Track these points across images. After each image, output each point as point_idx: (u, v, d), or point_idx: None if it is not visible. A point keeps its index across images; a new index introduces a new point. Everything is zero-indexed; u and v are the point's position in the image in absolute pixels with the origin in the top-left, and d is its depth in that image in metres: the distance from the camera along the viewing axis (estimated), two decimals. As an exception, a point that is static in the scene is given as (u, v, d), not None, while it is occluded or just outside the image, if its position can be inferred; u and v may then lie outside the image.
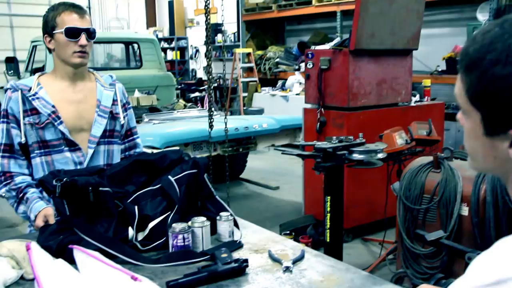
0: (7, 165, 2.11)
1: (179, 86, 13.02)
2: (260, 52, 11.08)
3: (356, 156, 3.35)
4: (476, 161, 0.90)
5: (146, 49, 7.67)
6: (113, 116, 2.26)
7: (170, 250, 1.65)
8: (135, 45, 7.81)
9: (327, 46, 4.67)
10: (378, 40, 4.42)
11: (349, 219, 4.61)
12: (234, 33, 12.85)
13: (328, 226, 3.47)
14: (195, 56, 14.98)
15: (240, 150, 5.61)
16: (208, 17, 3.61)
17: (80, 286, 1.22)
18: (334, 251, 3.50)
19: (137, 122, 6.13)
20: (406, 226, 3.54)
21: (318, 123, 4.65)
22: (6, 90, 2.17)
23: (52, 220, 1.91)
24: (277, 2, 10.29)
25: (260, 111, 8.75)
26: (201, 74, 14.72)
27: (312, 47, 4.82)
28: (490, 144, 0.84)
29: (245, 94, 10.67)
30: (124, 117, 2.30)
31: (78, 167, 2.12)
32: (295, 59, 10.09)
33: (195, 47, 14.92)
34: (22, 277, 1.49)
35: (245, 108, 9.59)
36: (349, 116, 4.50)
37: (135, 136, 2.40)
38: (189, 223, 1.70)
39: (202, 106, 11.32)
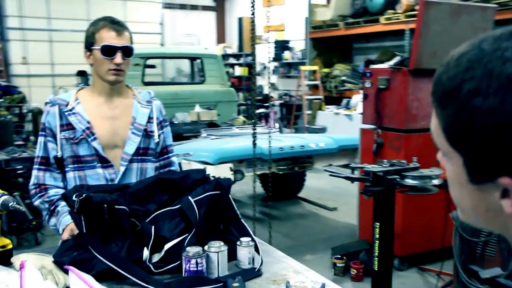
0: (42, 177, 2.13)
1: (245, 102, 13.11)
2: (326, 70, 10.95)
3: (408, 181, 3.16)
4: (466, 214, 0.72)
5: (210, 65, 7.75)
6: (147, 134, 2.21)
7: (183, 275, 1.58)
8: (199, 61, 7.91)
9: (386, 65, 4.49)
10: (440, 59, 4.17)
11: (405, 246, 4.39)
12: (301, 51, 12.79)
13: (376, 253, 3.29)
14: (262, 73, 15.04)
15: (296, 169, 5.50)
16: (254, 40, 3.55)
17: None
18: (383, 281, 3.32)
19: (195, 137, 6.24)
20: (463, 259, 3.30)
21: (375, 145, 4.47)
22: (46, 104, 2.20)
23: None
24: (345, 20, 10.14)
25: (322, 130, 8.60)
26: (268, 90, 14.76)
27: (371, 66, 4.65)
28: (479, 194, 0.66)
29: (310, 112, 10.55)
30: (159, 135, 2.26)
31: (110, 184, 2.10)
32: (362, 78, 9.87)
33: (262, 64, 15.00)
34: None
35: (307, 126, 9.46)
36: (407, 138, 4.29)
37: (170, 154, 2.36)
38: (206, 247, 1.62)
39: (266, 123, 11.31)
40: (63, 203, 2.08)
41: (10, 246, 1.72)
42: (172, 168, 2.35)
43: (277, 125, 10.98)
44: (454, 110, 0.64)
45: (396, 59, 4.38)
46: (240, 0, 16.04)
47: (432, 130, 0.73)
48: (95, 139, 2.09)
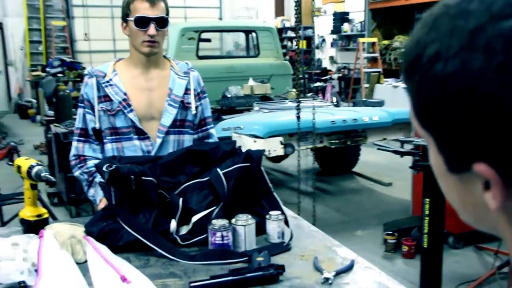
0: (81, 149, 2.16)
1: (302, 76, 12.94)
2: (386, 42, 10.62)
3: (461, 155, 3.01)
4: (459, 212, 0.59)
5: (264, 38, 7.66)
6: (184, 106, 2.18)
7: (209, 247, 1.56)
8: (254, 34, 7.83)
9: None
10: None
11: (460, 224, 4.16)
12: (361, 22, 12.44)
13: (426, 230, 3.17)
14: (321, 46, 14.79)
15: (348, 143, 5.37)
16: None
17: (72, 281, 1.17)
18: (432, 258, 3.20)
19: (248, 110, 6.22)
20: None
21: (430, 118, 4.28)
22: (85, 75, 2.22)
23: None
24: (407, -11, 9.76)
25: (380, 103, 8.37)
26: (326, 63, 14.51)
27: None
28: (462, 186, 0.54)
29: (368, 85, 10.30)
30: (196, 107, 2.23)
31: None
32: (423, 49, 9.50)
33: (321, 37, 14.73)
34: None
35: (364, 99, 9.24)
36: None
37: (208, 126, 2.33)
38: (233, 220, 1.59)
39: (323, 97, 11.14)
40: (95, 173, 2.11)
41: (46, 215, 1.76)
42: (210, 140, 2.33)
43: (334, 99, 10.80)
44: (416, 82, 0.53)
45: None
46: (299, -28, 15.69)
47: (409, 111, 0.60)
48: (131, 110, 2.08)
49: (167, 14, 2.11)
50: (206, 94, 2.32)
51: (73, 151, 2.17)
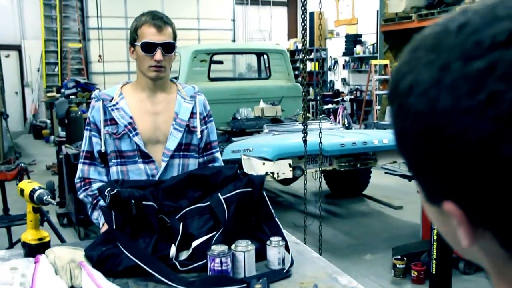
0: (87, 171, 2.17)
1: (314, 98, 12.96)
2: (398, 64, 10.61)
3: (470, 180, 2.98)
4: (446, 240, 0.56)
5: (275, 60, 7.70)
6: (189, 130, 2.18)
7: (208, 274, 1.55)
8: (265, 56, 7.88)
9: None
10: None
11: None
12: (373, 44, 12.48)
13: (434, 256, 3.13)
14: (333, 68, 14.84)
15: (358, 166, 5.35)
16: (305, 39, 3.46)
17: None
18: (441, 285, 3.15)
19: (258, 132, 6.23)
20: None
21: (440, 141, 4.25)
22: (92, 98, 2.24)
23: None
24: (418, 12, 9.77)
25: (391, 125, 8.33)
26: (338, 85, 14.54)
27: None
28: (440, 217, 0.52)
29: (380, 107, 10.28)
30: (202, 131, 2.23)
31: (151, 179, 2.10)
32: (435, 71, 9.48)
33: (334, 59, 14.78)
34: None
35: (376, 121, 9.21)
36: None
37: (214, 150, 2.32)
38: (232, 246, 1.58)
39: (335, 119, 11.13)
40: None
41: (48, 239, 1.76)
42: (216, 164, 2.33)
43: (346, 121, 10.79)
44: (394, 111, 0.52)
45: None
46: (312, -5, 15.85)
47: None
48: (136, 134, 2.08)
49: (175, 38, 2.12)
50: (212, 118, 2.33)
51: (78, 174, 2.19)
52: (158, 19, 2.09)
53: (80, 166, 2.18)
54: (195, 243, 1.63)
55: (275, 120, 6.64)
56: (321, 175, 4.45)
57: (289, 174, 4.85)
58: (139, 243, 1.62)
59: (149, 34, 2.05)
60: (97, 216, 2.11)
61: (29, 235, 1.76)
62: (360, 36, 13.17)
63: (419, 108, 0.47)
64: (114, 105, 2.12)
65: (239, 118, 6.58)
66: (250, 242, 1.59)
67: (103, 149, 2.12)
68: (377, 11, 11.15)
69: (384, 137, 5.29)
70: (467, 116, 0.44)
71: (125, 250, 1.57)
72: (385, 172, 3.26)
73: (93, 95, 2.21)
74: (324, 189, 6.76)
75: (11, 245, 4.33)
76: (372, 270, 4.38)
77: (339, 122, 10.06)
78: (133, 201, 1.61)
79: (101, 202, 2.06)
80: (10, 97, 12.57)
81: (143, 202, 1.63)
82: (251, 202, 1.73)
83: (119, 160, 2.12)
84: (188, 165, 2.19)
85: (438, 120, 0.46)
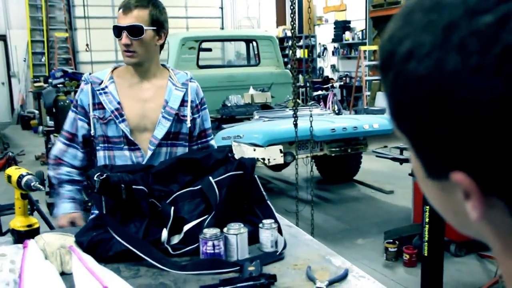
0: (61, 152, 2.11)
1: (303, 84, 12.94)
2: (387, 49, 10.61)
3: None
4: (443, 217, 0.53)
5: (264, 47, 7.66)
6: (179, 119, 2.12)
7: (201, 257, 1.54)
8: (254, 43, 7.84)
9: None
10: None
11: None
12: (362, 31, 12.46)
13: (426, 238, 3.14)
14: (322, 54, 14.80)
15: (349, 151, 5.35)
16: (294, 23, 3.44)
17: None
18: (433, 267, 3.16)
19: (248, 119, 6.20)
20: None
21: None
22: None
23: (80, 224, 1.90)
24: (407, -4, 9.76)
25: (381, 111, 8.35)
26: (328, 72, 14.51)
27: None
28: (442, 193, 0.49)
29: (369, 93, 10.28)
30: (194, 119, 2.17)
31: None
32: (424, 57, 9.50)
33: (323, 45, 14.74)
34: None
35: (366, 107, 9.22)
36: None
37: (209, 138, 2.28)
38: (224, 229, 1.57)
39: (325, 105, 11.12)
40: (68, 187, 2.10)
41: (37, 225, 1.74)
42: None
43: (336, 107, 10.77)
44: (390, 81, 0.48)
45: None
46: (300, -19, 15.77)
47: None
48: (123, 121, 2.03)
49: (153, 24, 2.00)
50: (206, 106, 2.27)
51: (54, 151, 2.14)
52: (129, 2, 1.99)
53: (58, 144, 2.14)
54: (186, 227, 1.61)
55: (265, 107, 6.61)
56: (312, 161, 4.45)
57: (280, 160, 4.84)
58: (130, 228, 1.60)
59: (118, 18, 2.00)
60: (55, 202, 2.09)
61: (17, 222, 1.73)
62: (349, 22, 13.13)
63: (422, 72, 0.44)
64: (102, 89, 2.07)
65: (229, 105, 6.55)
66: (242, 225, 1.58)
67: (93, 133, 2.07)
68: (366, -4, 11.12)
69: (375, 122, 5.29)
70: (478, 75, 0.41)
71: (116, 235, 1.55)
72: (377, 156, 3.26)
73: (83, 78, 2.15)
74: (315, 175, 6.76)
75: (1, 234, 4.30)
76: (364, 254, 4.40)
77: (329, 108, 10.05)
78: (123, 186, 1.59)
79: (65, 191, 2.05)
80: (-4, 88, 12.45)
81: (133, 186, 1.61)
82: (242, 185, 1.71)
83: (106, 145, 2.08)
84: (176, 154, 2.13)
85: (445, 83, 0.42)
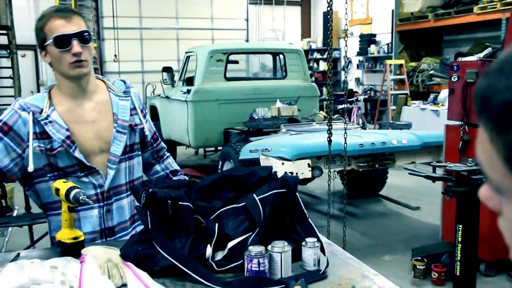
0: None
1: (328, 97, 12.94)
2: (413, 64, 10.57)
3: (495, 182, 2.96)
4: None
5: (292, 60, 7.71)
6: (132, 129, 2.03)
7: (245, 274, 1.56)
8: (281, 56, 7.88)
9: (475, 57, 4.23)
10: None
11: (493, 251, 4.12)
12: (387, 44, 12.43)
13: (459, 257, 3.11)
14: (347, 67, 14.78)
15: (376, 166, 5.34)
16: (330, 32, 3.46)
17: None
18: (465, 287, 3.13)
19: (275, 132, 6.22)
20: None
21: (461, 142, 4.23)
22: (12, 105, 1.92)
23: None
24: (435, 11, 9.72)
25: (407, 126, 8.31)
26: (352, 85, 14.49)
27: (459, 59, 4.41)
28: None
29: (394, 107, 10.23)
30: (146, 124, 2.11)
31: (99, 190, 1.96)
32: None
33: (348, 58, 14.73)
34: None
35: (392, 122, 9.17)
36: (497, 135, 4.02)
37: (158, 140, 2.24)
38: (269, 247, 1.58)
39: (350, 119, 11.09)
40: None
41: (82, 238, 1.77)
42: (163, 151, 2.27)
43: (360, 120, 10.74)
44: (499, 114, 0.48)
45: (487, 51, 4.12)
46: (325, -6, 15.83)
47: (481, 159, 0.53)
48: (76, 148, 1.88)
49: (87, 27, 1.91)
50: (146, 109, 2.24)
51: None
52: (63, 10, 1.88)
53: None
54: (230, 244, 1.63)
55: (292, 120, 6.64)
56: (338, 175, 4.45)
57: (308, 174, 4.84)
58: (175, 243, 1.63)
59: (59, 26, 1.83)
60: None
61: (64, 234, 1.77)
62: (375, 36, 13.12)
63: None
64: (45, 118, 1.87)
65: (256, 117, 6.58)
66: (286, 243, 1.59)
67: (30, 168, 1.84)
68: (392, 10, 11.09)
69: (403, 137, 5.27)
70: None
71: (162, 250, 1.57)
72: (409, 173, 3.24)
73: (17, 105, 1.89)
74: (340, 189, 6.74)
75: (32, 243, 4.37)
76: (391, 271, 4.36)
77: (353, 122, 10.03)
78: (169, 202, 1.62)
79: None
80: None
81: (179, 203, 1.63)
82: (285, 203, 1.73)
83: (56, 173, 1.90)
84: (133, 166, 2.07)
85: None
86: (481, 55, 4.13)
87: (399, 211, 6.32)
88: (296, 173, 4.84)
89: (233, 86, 7.31)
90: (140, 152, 2.12)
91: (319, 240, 1.68)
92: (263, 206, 1.67)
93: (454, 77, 4.29)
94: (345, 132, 3.69)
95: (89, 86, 1.97)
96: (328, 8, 3.52)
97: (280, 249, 1.57)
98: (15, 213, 5.25)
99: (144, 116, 2.12)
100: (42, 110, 1.88)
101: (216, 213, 1.70)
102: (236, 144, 6.10)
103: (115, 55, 11.87)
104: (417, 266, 4.22)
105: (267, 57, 14.39)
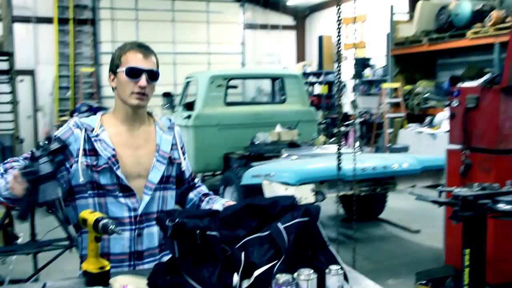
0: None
1: (324, 121, 13.04)
2: (408, 87, 10.70)
3: (501, 206, 3.02)
4: None
5: (291, 85, 7.81)
6: (171, 162, 2.18)
7: (273, 302, 1.60)
8: (280, 81, 7.99)
9: (475, 83, 4.33)
10: (535, 77, 4.00)
11: (497, 275, 4.17)
12: (382, 67, 12.59)
13: (466, 282, 3.15)
14: (342, 91, 14.94)
15: (378, 190, 5.40)
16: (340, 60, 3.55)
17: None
18: (474, 310, 3.17)
19: (276, 157, 6.28)
20: None
21: (463, 166, 4.31)
22: (68, 123, 2.11)
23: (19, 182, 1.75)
24: (428, 36, 9.89)
25: (404, 149, 8.38)
26: (347, 108, 14.62)
27: (461, 83, 4.51)
28: None
29: (391, 130, 10.34)
30: (184, 161, 2.25)
31: (132, 213, 2.08)
32: (446, 95, 9.56)
33: (342, 82, 14.90)
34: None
35: (389, 145, 9.26)
36: (498, 160, 4.10)
37: (196, 179, 2.38)
38: (295, 275, 1.63)
39: (346, 142, 11.18)
40: (16, 164, 1.95)
41: (108, 267, 1.81)
42: (201, 187, 2.38)
43: (356, 143, 10.84)
44: None
45: (487, 77, 4.22)
46: (321, 19, 16.07)
47: None
48: (119, 167, 2.04)
49: (157, 68, 2.11)
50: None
51: None
52: (144, 47, 2.10)
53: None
54: (257, 272, 1.67)
55: (292, 145, 6.71)
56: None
57: (312, 199, 4.89)
58: (203, 272, 1.67)
59: (136, 60, 2.04)
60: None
61: (90, 264, 1.80)
62: (369, 59, 13.29)
63: None
64: (96, 136, 2.07)
65: (257, 142, 6.65)
66: (312, 271, 1.64)
67: (81, 180, 2.01)
68: (387, 34, 11.27)
69: (404, 161, 5.35)
70: None
71: (191, 279, 1.61)
72: (416, 199, 3.30)
73: (73, 123, 2.10)
74: (340, 213, 6.78)
75: (37, 272, 4.35)
76: (397, 295, 4.40)
77: (350, 145, 10.11)
78: (198, 231, 1.66)
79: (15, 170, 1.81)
80: (22, 121, 12.69)
81: (207, 232, 1.68)
82: (308, 231, 1.78)
83: (96, 191, 2.05)
84: (167, 198, 2.19)
85: None
86: (481, 80, 4.22)
87: (400, 235, 6.36)
88: (300, 198, 4.89)
89: (233, 111, 7.39)
90: (174, 187, 2.24)
91: (342, 268, 1.72)
92: (287, 235, 1.72)
93: (455, 102, 4.38)
94: (354, 157, 3.76)
95: (141, 117, 2.15)
96: (338, 38, 3.60)
97: (307, 276, 1.62)
98: (19, 240, 5.24)
99: (184, 153, 2.26)
100: (93, 129, 2.07)
101: (241, 242, 1.75)
102: (238, 169, 6.15)
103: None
104: (421, 291, 4.25)
105: (263, 81, 14.54)
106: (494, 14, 8.34)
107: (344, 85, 14.80)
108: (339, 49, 3.69)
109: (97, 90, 13.84)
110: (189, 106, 7.61)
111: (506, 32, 7.94)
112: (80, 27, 13.83)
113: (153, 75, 2.07)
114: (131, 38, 13.66)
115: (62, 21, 13.53)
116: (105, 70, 13.75)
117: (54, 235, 4.15)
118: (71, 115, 11.84)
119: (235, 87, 8.60)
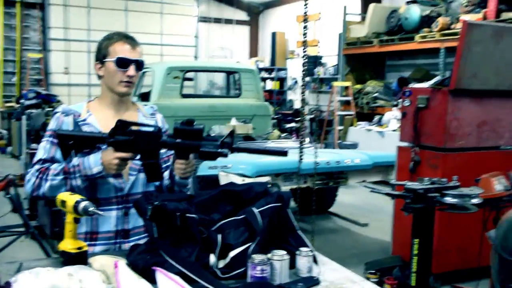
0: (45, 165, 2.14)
1: (276, 116, 13.23)
2: (358, 86, 11.04)
3: (448, 199, 3.23)
4: None
5: (246, 79, 7.92)
6: None
7: (248, 280, 1.70)
8: (236, 75, 8.08)
9: (426, 84, 4.57)
10: (481, 80, 4.27)
11: (439, 264, 4.43)
12: (334, 66, 12.90)
13: (414, 269, 3.36)
14: (293, 87, 15.19)
15: (330, 184, 5.59)
16: (305, 51, 3.67)
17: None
18: (420, 297, 3.38)
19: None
20: (502, 278, 3.34)
21: (412, 163, 4.54)
22: (55, 113, 2.25)
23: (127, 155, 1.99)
24: (379, 37, 10.23)
25: (354, 146, 8.68)
26: (298, 104, 14.89)
27: (411, 84, 4.75)
28: None
29: (341, 128, 10.63)
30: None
31: (119, 193, 2.20)
32: (394, 95, 9.95)
33: (294, 78, 15.15)
34: (110, 292, 1.59)
35: (339, 141, 9.54)
36: (445, 157, 4.36)
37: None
38: (269, 255, 1.73)
39: (298, 137, 11.41)
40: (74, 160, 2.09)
41: (86, 248, 1.85)
42: None
43: (307, 139, 11.08)
44: None
45: (436, 79, 4.47)
46: (274, 16, 16.25)
47: None
48: (106, 148, 2.09)
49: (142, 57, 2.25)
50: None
51: (29, 176, 2.13)
52: (130, 38, 2.25)
53: (36, 166, 2.14)
54: (233, 253, 1.77)
55: (247, 138, 6.82)
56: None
57: (290, 192, 5.02)
58: (181, 253, 1.75)
59: (124, 50, 2.18)
60: (78, 182, 2.07)
61: (68, 244, 1.84)
62: (321, 58, 13.57)
63: None
64: (83, 120, 2.21)
65: (213, 135, 6.71)
66: (285, 252, 1.75)
67: (74, 160, 2.10)
68: (339, 34, 11.56)
69: (356, 157, 5.56)
70: None
71: (170, 258, 1.69)
72: (371, 191, 3.47)
73: (60, 110, 2.24)
74: (292, 206, 6.96)
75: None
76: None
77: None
78: (178, 214, 1.74)
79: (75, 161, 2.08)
80: (-36, 106, 12.26)
81: (187, 215, 1.76)
82: (280, 216, 1.89)
83: None
84: None
85: None
86: (432, 82, 4.46)
87: (349, 228, 6.60)
88: (279, 190, 5.01)
89: (189, 103, 7.43)
90: None
91: (312, 250, 1.85)
92: (262, 218, 1.82)
93: (406, 102, 4.61)
94: (316, 152, 3.90)
95: (126, 104, 2.31)
96: (304, 36, 3.72)
97: (280, 257, 1.73)
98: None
99: (168, 136, 2.27)
100: (80, 114, 2.22)
101: (217, 225, 1.84)
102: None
103: (66, 68, 11.71)
104: (370, 279, 4.45)
105: (216, 74, 14.58)
106: (441, 21, 8.75)
107: (296, 82, 15.07)
108: (305, 41, 3.81)
109: (45, 77, 13.50)
110: (144, 97, 7.58)
111: (451, 38, 8.34)
112: (28, 10, 13.42)
113: (140, 65, 2.21)
114: (83, 26, 13.47)
115: (9, 3, 13.11)
116: (54, 56, 13.44)
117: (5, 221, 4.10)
118: (17, 102, 11.53)
119: (191, 79, 8.63)
